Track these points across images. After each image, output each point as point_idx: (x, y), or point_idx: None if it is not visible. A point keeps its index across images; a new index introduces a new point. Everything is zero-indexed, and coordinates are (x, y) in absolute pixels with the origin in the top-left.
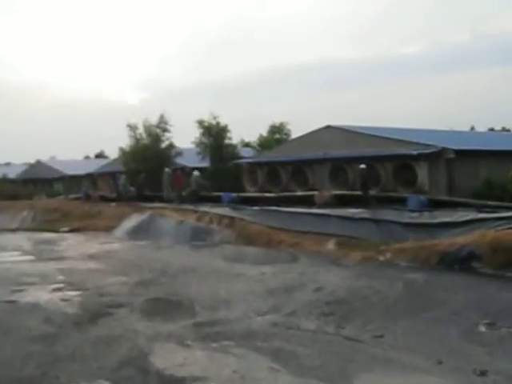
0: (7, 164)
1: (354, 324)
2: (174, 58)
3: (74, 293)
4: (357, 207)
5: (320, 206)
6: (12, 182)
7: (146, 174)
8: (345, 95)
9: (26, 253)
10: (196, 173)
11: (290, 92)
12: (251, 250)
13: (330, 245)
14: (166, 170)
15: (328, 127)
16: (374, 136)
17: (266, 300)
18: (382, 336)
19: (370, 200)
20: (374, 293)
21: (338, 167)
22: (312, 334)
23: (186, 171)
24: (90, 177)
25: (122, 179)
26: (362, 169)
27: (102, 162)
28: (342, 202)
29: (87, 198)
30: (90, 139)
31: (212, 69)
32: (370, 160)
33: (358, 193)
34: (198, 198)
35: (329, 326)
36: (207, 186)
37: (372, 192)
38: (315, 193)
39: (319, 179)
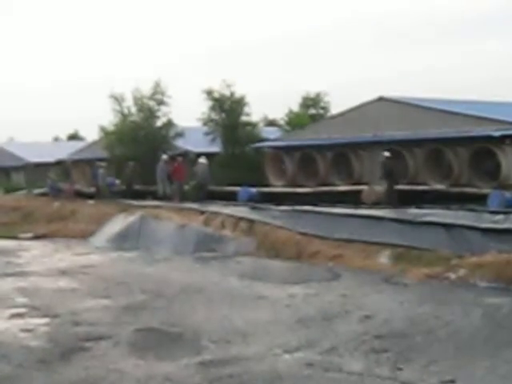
0: None
1: (415, 365)
2: (174, 17)
3: (40, 320)
4: (422, 207)
5: (369, 206)
6: None
7: (135, 161)
8: (399, 59)
9: None
10: (203, 160)
11: (328, 56)
12: (276, 265)
13: (383, 258)
14: (163, 156)
15: (380, 99)
16: (441, 111)
17: (297, 332)
18: (453, 382)
19: (392, 197)
20: (441, 323)
21: (394, 153)
22: (358, 377)
23: (190, 158)
24: (60, 165)
25: (104, 169)
26: (387, 158)
27: (77, 145)
28: (398, 199)
29: (57, 193)
30: (60, 115)
31: (225, 32)
32: (437, 143)
33: (422, 188)
34: (205, 195)
35: (381, 367)
36: (208, 180)
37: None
38: (363, 187)
39: (368, 169)
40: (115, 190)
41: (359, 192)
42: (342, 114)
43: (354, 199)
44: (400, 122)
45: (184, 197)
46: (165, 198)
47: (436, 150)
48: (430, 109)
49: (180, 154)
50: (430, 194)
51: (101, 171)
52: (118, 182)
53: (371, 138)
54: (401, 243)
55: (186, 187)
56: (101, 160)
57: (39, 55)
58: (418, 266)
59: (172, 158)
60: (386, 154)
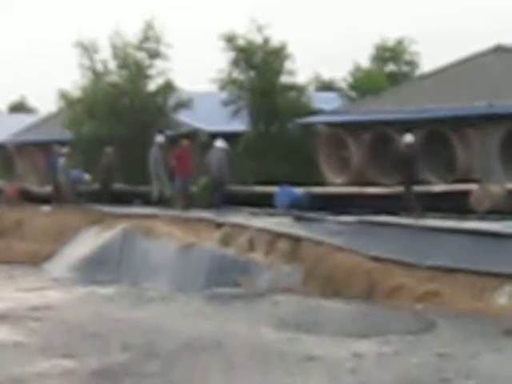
0: None
1: None
2: None
3: None
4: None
5: (482, 216)
6: None
7: (115, 146)
8: None
9: None
10: (220, 144)
11: None
12: (335, 308)
13: (503, 297)
14: (158, 138)
15: (498, 50)
16: None
17: None
18: None
19: (411, 200)
20: None
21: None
22: None
23: (201, 141)
24: None
25: (67, 157)
26: (407, 144)
27: (24, 120)
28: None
29: None
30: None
31: None
32: None
33: None
34: (223, 198)
35: None
36: (228, 176)
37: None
38: (472, 187)
39: (480, 158)
40: (83, 191)
41: (466, 194)
42: (437, 73)
43: (457, 205)
44: None
45: (191, 201)
46: (161, 202)
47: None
48: None
49: (185, 135)
50: None
51: (62, 161)
52: (87, 177)
53: (485, 109)
54: None
55: (194, 187)
56: (61, 143)
57: None
58: None
59: (172, 141)
60: (408, 138)
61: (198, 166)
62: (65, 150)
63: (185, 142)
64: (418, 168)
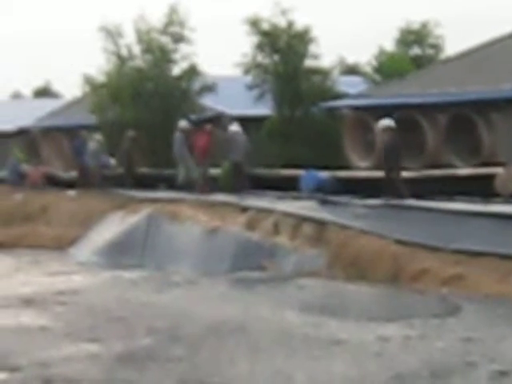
0: None
1: None
2: None
3: None
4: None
5: (507, 199)
6: None
7: (139, 130)
8: None
9: None
10: (234, 128)
11: None
12: (360, 291)
13: None
14: (181, 123)
15: None
16: None
17: None
18: None
19: (394, 186)
20: None
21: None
22: None
23: (225, 125)
24: (23, 137)
25: (98, 143)
26: (387, 128)
27: (49, 105)
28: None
29: (19, 179)
30: (21, 59)
31: None
32: None
33: None
34: (247, 182)
35: None
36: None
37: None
38: (497, 171)
39: (505, 142)
40: (109, 175)
41: (491, 177)
42: (462, 56)
43: (482, 188)
44: None
45: (211, 185)
46: (186, 186)
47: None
48: None
49: (209, 119)
50: None
51: (92, 146)
52: (112, 161)
53: (509, 92)
54: None
55: (218, 170)
56: (86, 128)
57: None
58: None
59: (197, 126)
60: (386, 122)
61: (221, 150)
62: (97, 135)
63: (208, 127)
64: (395, 153)
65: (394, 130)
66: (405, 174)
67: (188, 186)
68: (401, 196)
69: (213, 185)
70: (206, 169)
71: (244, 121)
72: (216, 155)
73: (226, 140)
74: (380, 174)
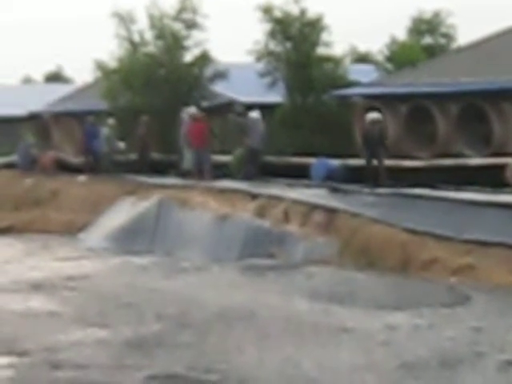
0: None
1: None
2: None
3: (1, 360)
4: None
5: None
6: None
7: (152, 116)
8: None
9: None
10: (255, 115)
11: None
12: (369, 280)
13: None
14: (190, 111)
15: None
16: None
17: None
18: None
19: (377, 173)
20: None
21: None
22: None
23: (236, 113)
24: (34, 121)
25: (108, 127)
26: (375, 121)
27: (60, 90)
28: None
29: (30, 164)
30: (33, 44)
31: None
32: None
33: None
34: (257, 169)
35: None
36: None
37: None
38: (508, 161)
39: None
40: (121, 161)
41: (501, 168)
42: (474, 46)
43: (492, 179)
44: None
45: (219, 172)
46: (189, 173)
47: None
48: None
49: (221, 106)
50: None
51: (105, 131)
52: (122, 146)
53: None
54: None
55: (229, 158)
56: (97, 114)
57: None
58: None
59: (209, 112)
60: (373, 115)
61: (233, 137)
62: (110, 120)
63: (197, 114)
64: (382, 144)
65: (381, 123)
66: (415, 163)
67: (189, 173)
68: (380, 184)
69: (220, 172)
70: (206, 156)
71: (256, 108)
72: (226, 141)
73: (243, 126)
74: (390, 162)
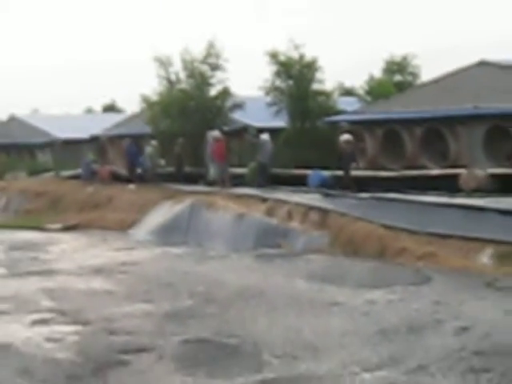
0: None
1: None
2: None
3: (68, 328)
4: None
5: (468, 194)
6: None
7: (185, 138)
8: (503, 22)
9: None
10: (265, 136)
11: (418, 13)
12: (354, 265)
13: (485, 257)
14: (214, 134)
15: (482, 64)
16: None
17: (377, 346)
18: None
19: (350, 182)
20: None
21: (499, 129)
22: None
23: (250, 135)
24: (94, 143)
25: (151, 147)
26: (345, 142)
27: (114, 118)
28: (504, 186)
29: (91, 176)
30: (93, 82)
31: None
32: None
33: None
34: (267, 178)
35: None
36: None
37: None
38: (460, 171)
39: (467, 149)
40: (161, 173)
41: (456, 177)
42: (434, 82)
43: (449, 185)
44: (506, 91)
45: (234, 181)
46: (214, 182)
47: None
48: None
49: (238, 130)
50: None
51: (149, 150)
52: (163, 162)
53: (471, 110)
54: (507, 240)
55: (245, 170)
56: (135, 137)
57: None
58: None
59: (230, 135)
60: (346, 137)
61: (249, 154)
62: (153, 142)
63: (220, 136)
64: (353, 158)
65: (351, 143)
66: (389, 173)
67: (214, 183)
68: (351, 189)
69: (238, 181)
70: (226, 169)
71: (265, 131)
72: (243, 157)
73: (256, 145)
74: (369, 173)
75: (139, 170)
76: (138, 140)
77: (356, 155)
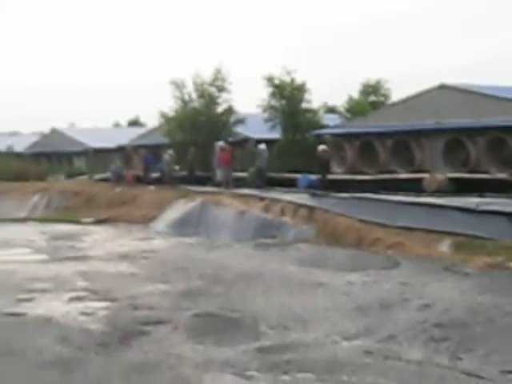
0: (13, 134)
1: (474, 354)
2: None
3: (99, 304)
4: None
5: (431, 194)
6: (19, 156)
7: (196, 148)
8: (463, 48)
9: (37, 250)
10: (262, 146)
11: (389, 44)
12: (336, 252)
13: (444, 246)
14: (220, 144)
15: (442, 87)
16: (504, 99)
17: (355, 319)
18: None
19: (325, 185)
20: (502, 313)
21: (456, 141)
22: (417, 366)
23: (250, 145)
24: (121, 151)
25: (168, 155)
26: (323, 151)
27: (138, 131)
28: (460, 187)
29: (118, 178)
30: (120, 100)
31: (282, 20)
32: (500, 132)
33: (485, 176)
34: (264, 181)
35: (440, 355)
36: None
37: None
38: (424, 175)
39: (429, 157)
40: (173, 176)
41: (420, 180)
42: (402, 102)
43: (415, 187)
44: (462, 109)
45: (236, 183)
46: (220, 184)
47: (498, 138)
48: (492, 97)
49: (240, 141)
50: (492, 183)
51: (166, 158)
52: (177, 167)
53: (433, 125)
54: (462, 232)
55: (246, 174)
56: (154, 147)
57: (101, 46)
58: (479, 255)
59: (233, 145)
60: (322, 147)
61: (249, 160)
62: (169, 151)
63: (226, 147)
64: (329, 165)
65: (327, 152)
66: (365, 177)
67: (220, 184)
68: (328, 190)
69: (240, 183)
70: (230, 173)
71: (263, 142)
72: (244, 163)
73: (255, 153)
74: (348, 177)
75: (156, 174)
76: (156, 149)
77: (330, 162)
